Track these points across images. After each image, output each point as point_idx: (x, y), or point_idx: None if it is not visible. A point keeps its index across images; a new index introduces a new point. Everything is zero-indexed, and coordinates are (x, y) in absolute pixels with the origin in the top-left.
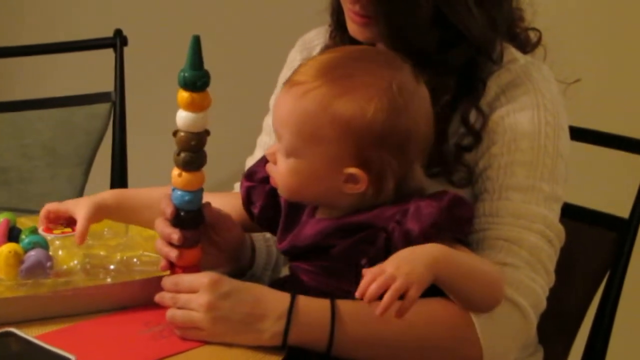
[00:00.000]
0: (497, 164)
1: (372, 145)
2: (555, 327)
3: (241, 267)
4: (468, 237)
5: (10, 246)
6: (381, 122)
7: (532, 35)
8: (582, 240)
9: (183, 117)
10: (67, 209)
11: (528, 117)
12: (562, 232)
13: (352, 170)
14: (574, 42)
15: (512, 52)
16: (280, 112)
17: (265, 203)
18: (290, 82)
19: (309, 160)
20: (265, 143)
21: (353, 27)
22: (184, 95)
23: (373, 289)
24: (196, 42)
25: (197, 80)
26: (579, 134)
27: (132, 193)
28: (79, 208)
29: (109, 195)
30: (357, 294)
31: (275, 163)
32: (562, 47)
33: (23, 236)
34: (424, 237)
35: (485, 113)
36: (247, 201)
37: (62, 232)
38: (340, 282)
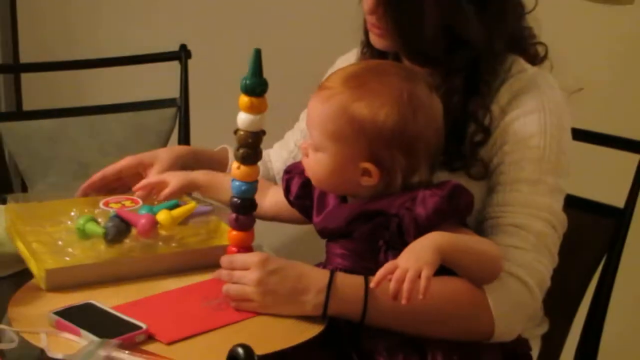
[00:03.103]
0: (508, 160)
1: (383, 144)
2: (559, 302)
3: None
4: (467, 218)
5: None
6: (391, 125)
7: (540, 50)
8: (583, 227)
9: (243, 118)
10: (164, 178)
11: (535, 119)
12: (565, 220)
13: (366, 165)
14: (577, 55)
15: (521, 63)
16: (310, 112)
17: (299, 192)
18: (319, 87)
19: (332, 154)
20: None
21: (372, 38)
22: (244, 99)
23: (394, 285)
24: (257, 54)
25: (256, 87)
26: (580, 134)
27: (221, 176)
28: (173, 179)
29: (202, 175)
30: (372, 285)
31: (307, 156)
32: (566, 60)
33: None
34: (430, 221)
35: (492, 111)
36: (286, 190)
37: (122, 206)
38: (363, 262)
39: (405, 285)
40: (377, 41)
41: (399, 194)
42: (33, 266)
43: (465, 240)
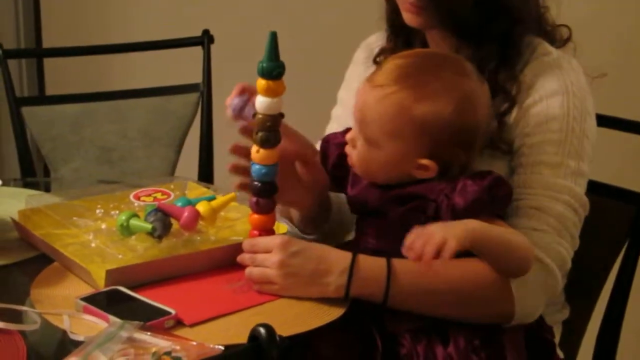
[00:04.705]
0: (530, 142)
1: (444, 142)
2: (581, 288)
3: (320, 216)
4: (505, 211)
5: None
6: (453, 123)
7: (563, 32)
8: (605, 213)
9: (261, 102)
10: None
11: (558, 102)
12: (586, 203)
13: (425, 161)
14: (600, 40)
15: (546, 46)
16: (363, 108)
17: (336, 162)
18: (372, 82)
19: (387, 151)
20: (339, 116)
21: (408, 16)
22: (261, 82)
23: (418, 244)
24: (273, 37)
25: (273, 70)
26: (601, 120)
27: None
28: None
29: None
30: (404, 250)
31: (354, 147)
32: (590, 44)
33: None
34: (467, 210)
35: (519, 80)
36: (323, 160)
37: (155, 199)
38: (394, 243)
39: (427, 247)
40: (412, 19)
41: (440, 180)
42: (90, 266)
43: (497, 231)
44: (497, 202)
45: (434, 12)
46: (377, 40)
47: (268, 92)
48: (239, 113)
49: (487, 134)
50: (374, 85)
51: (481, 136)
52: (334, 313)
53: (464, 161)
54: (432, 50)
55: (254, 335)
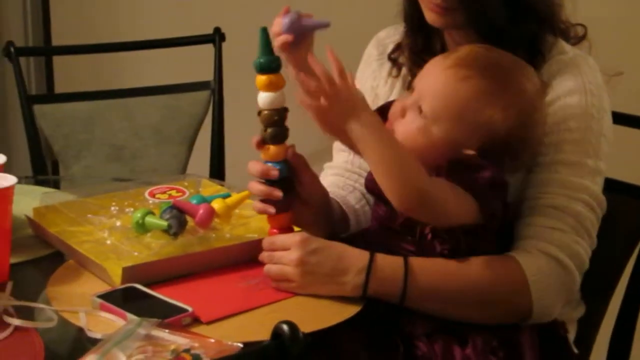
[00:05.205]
0: (548, 141)
1: (499, 143)
2: (595, 284)
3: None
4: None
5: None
6: (514, 130)
7: (579, 30)
8: (620, 210)
9: (264, 97)
10: None
11: (576, 100)
12: (603, 201)
13: (472, 153)
14: (616, 38)
15: (562, 45)
16: (433, 82)
17: None
18: (450, 61)
19: (441, 130)
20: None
21: (432, 16)
22: (262, 78)
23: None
24: (264, 32)
25: (271, 63)
26: (620, 118)
27: None
28: None
29: None
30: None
31: (402, 117)
32: (605, 42)
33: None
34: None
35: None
36: None
37: (170, 197)
38: (403, 242)
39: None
40: (436, 19)
41: None
42: (106, 264)
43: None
44: (466, 177)
45: (462, 13)
46: (388, 36)
47: (270, 87)
48: (292, 27)
49: (534, 153)
50: (452, 64)
51: (530, 151)
52: (351, 310)
53: (505, 163)
54: (507, 53)
55: (276, 333)
